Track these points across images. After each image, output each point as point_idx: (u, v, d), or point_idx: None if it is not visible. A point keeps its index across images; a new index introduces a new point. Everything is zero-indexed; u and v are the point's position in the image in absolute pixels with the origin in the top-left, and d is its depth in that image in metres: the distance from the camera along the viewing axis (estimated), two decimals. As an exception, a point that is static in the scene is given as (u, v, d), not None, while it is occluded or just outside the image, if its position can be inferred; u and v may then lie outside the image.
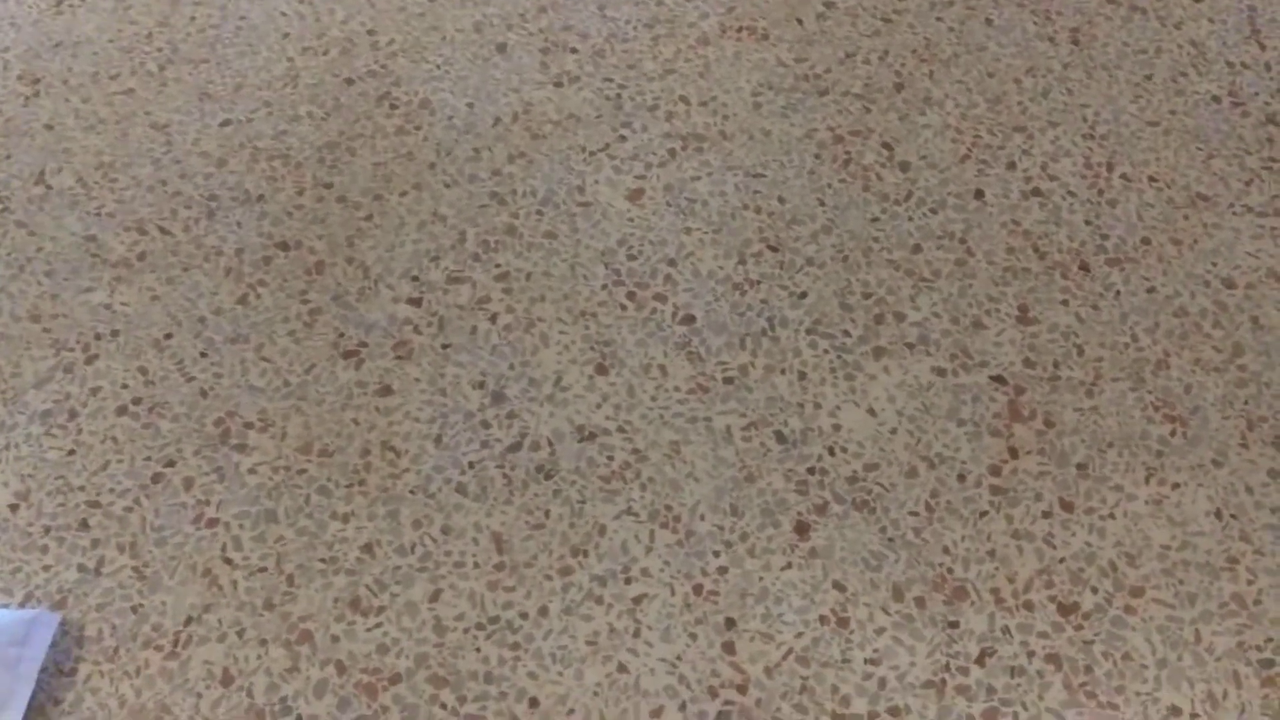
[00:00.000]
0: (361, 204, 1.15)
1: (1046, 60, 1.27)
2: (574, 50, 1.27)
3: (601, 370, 1.04)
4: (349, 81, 1.24)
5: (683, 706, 0.87)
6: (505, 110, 1.22)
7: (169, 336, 1.06)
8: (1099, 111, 1.23)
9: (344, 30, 1.28)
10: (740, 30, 1.30)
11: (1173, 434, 1.01)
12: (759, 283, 1.10)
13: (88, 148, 1.19)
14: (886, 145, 1.20)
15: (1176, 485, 0.99)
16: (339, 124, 1.21)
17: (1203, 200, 1.17)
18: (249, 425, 1.01)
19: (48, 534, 0.96)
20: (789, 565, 0.94)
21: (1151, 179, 1.18)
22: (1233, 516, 0.97)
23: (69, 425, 1.01)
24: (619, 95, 1.24)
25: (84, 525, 0.96)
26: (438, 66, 1.25)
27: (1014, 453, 1.00)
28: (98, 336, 1.06)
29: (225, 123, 1.21)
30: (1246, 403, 1.03)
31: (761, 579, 0.93)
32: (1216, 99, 1.25)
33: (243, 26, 1.28)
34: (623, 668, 0.89)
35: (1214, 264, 1.12)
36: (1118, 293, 1.10)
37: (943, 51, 1.28)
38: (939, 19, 1.31)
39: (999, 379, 1.04)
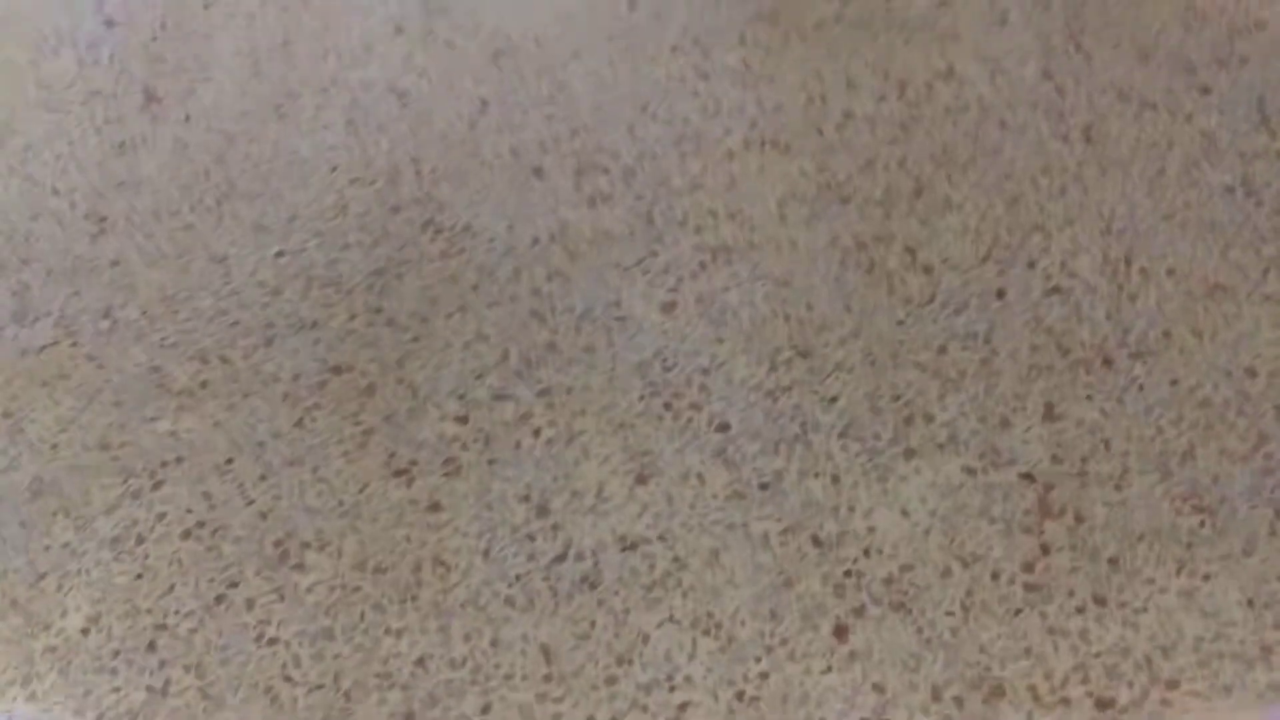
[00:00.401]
0: (409, 326, 1.21)
1: (1061, 160, 1.32)
2: (606, 170, 1.33)
3: (641, 480, 1.09)
4: (395, 209, 1.31)
5: (729, 812, 0.90)
6: (543, 231, 1.28)
7: (230, 461, 1.12)
8: (1115, 207, 1.27)
9: (389, 160, 1.36)
10: (763, 144, 1.35)
11: (1201, 525, 1.04)
12: (790, 389, 1.14)
13: (151, 282, 1.26)
14: (909, 249, 1.25)
15: (1207, 576, 1.01)
16: (387, 250, 1.27)
17: (1221, 290, 1.20)
18: (306, 545, 1.06)
19: (117, 656, 1.01)
20: (829, 669, 0.97)
21: (1169, 271, 1.21)
22: (1265, 606, 0.99)
23: (136, 550, 1.07)
24: (650, 211, 1.29)
25: (151, 647, 1.01)
26: (478, 191, 1.32)
27: (1046, 549, 1.03)
28: (163, 463, 1.12)
29: (280, 253, 1.28)
30: (1274, 491, 1.05)
31: (802, 683, 0.96)
32: (1230, 189, 1.29)
33: (294, 160, 1.36)
34: (670, 774, 0.92)
35: (1235, 354, 1.15)
36: (1141, 386, 1.13)
37: (959, 155, 1.33)
38: (954, 124, 1.36)
39: (1028, 476, 1.07)
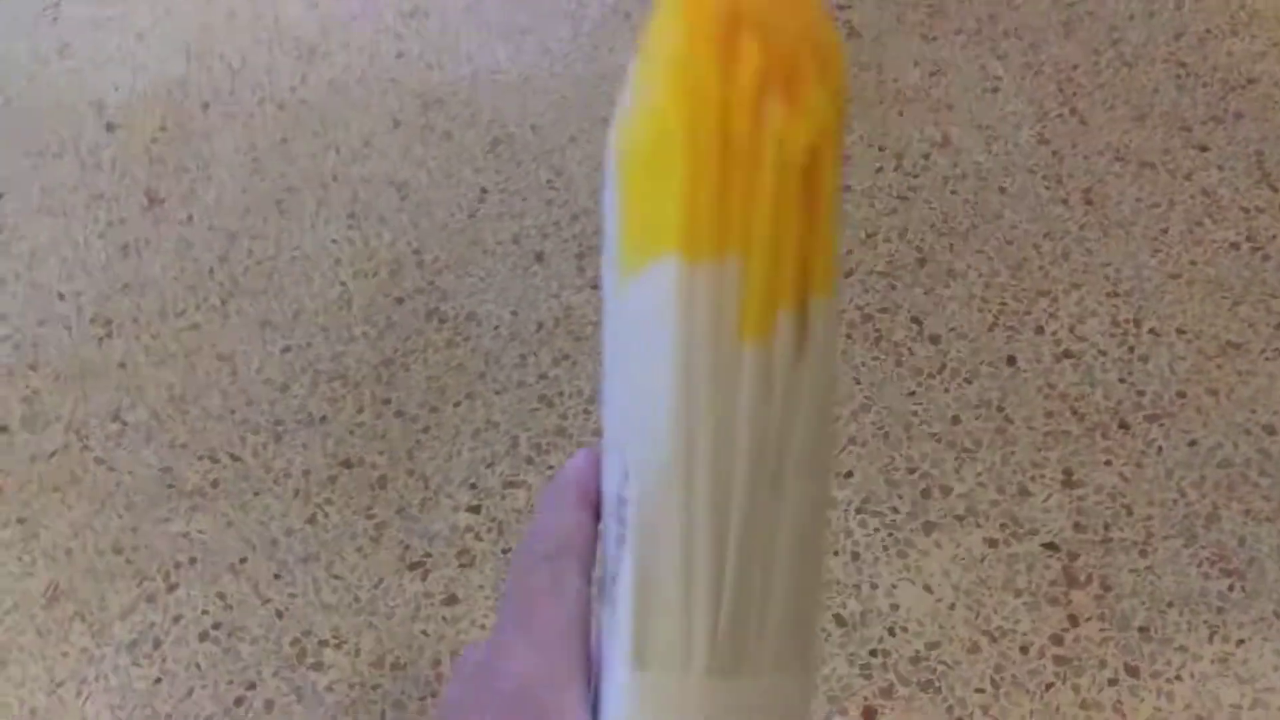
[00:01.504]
0: (419, 416, 1.20)
1: (1063, 223, 1.32)
2: (609, 252, 1.34)
3: (659, 564, 1.07)
4: (399, 300, 1.31)
5: None
6: (547, 315, 1.28)
7: (244, 561, 1.11)
8: (1120, 269, 1.27)
9: (392, 252, 1.36)
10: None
11: (1231, 589, 1.02)
12: (805, 465, 1.13)
13: (159, 382, 1.26)
14: (915, 320, 1.24)
15: (1241, 641, 0.99)
16: (393, 341, 1.27)
17: (1234, 348, 1.19)
18: (324, 643, 1.05)
19: (135, 766, 0.99)
20: (860, 752, 0.95)
21: (1180, 331, 1.21)
22: (1302, 669, 0.97)
23: (154, 654, 1.05)
24: (655, 292, 1.30)
25: (169, 755, 0.99)
26: (481, 279, 1.32)
27: (1074, 620, 1.01)
28: (177, 565, 1.11)
29: (286, 349, 1.28)
30: (1301, 550, 1.04)
31: (834, 768, 0.94)
32: (1235, 245, 1.29)
33: (297, 256, 1.37)
34: None
35: (1253, 411, 1.14)
36: (1160, 449, 1.12)
37: (960, 224, 1.33)
38: (953, 192, 1.37)
39: (1051, 545, 1.06)
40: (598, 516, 0.30)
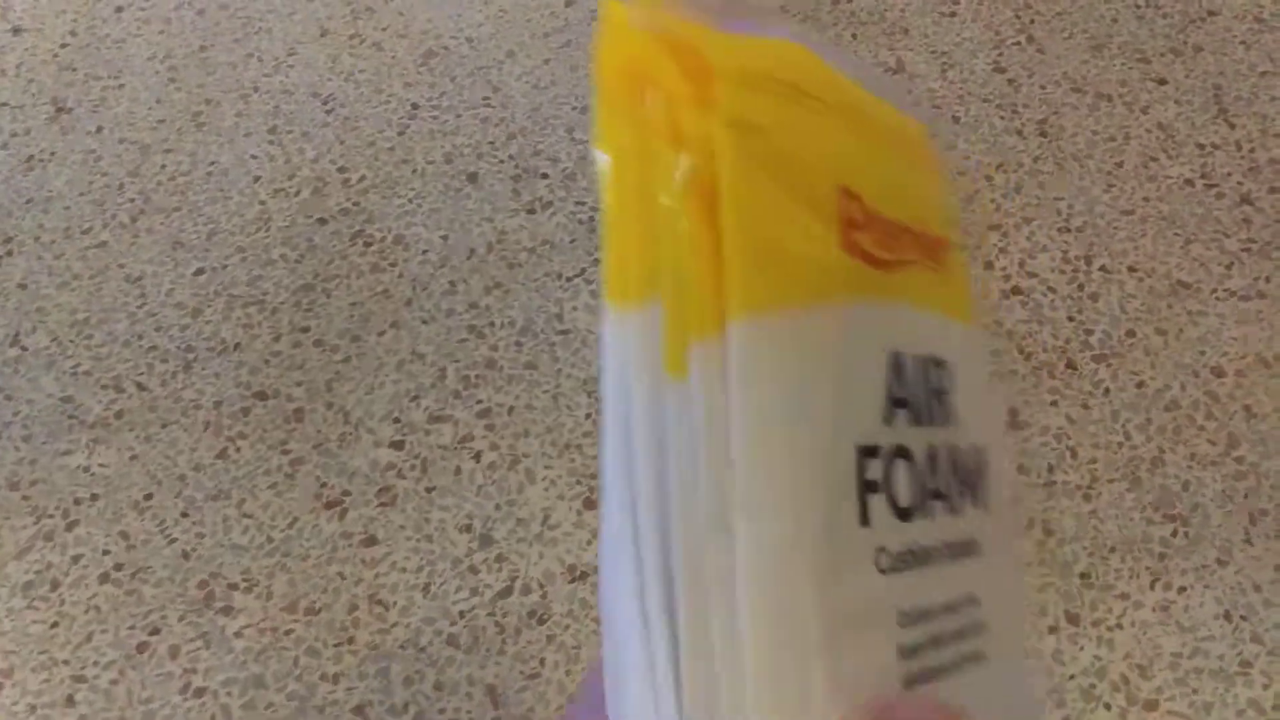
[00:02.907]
0: (339, 346, 1.14)
1: (1016, 155, 1.28)
2: (545, 175, 1.27)
3: (590, 505, 1.03)
4: (322, 221, 1.24)
5: None
6: (479, 241, 1.22)
7: (149, 497, 1.05)
8: (1072, 204, 1.23)
9: (314, 169, 1.28)
10: (710, 144, 1.30)
11: (1174, 534, 1.00)
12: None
13: (62, 305, 1.18)
14: (863, 252, 1.20)
15: (1183, 589, 0.97)
16: (313, 265, 1.20)
17: (1184, 287, 1.16)
18: (233, 586, 0.99)
19: (33, 713, 0.94)
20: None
21: (1131, 269, 1.18)
22: (1242, 618, 0.95)
23: (51, 596, 0.99)
24: (592, 218, 1.23)
25: (69, 701, 0.94)
26: (410, 201, 1.25)
27: (1014, 565, 0.98)
28: (77, 501, 1.05)
29: (199, 271, 1.20)
30: (1246, 496, 1.01)
31: None
32: (1190, 182, 1.25)
33: (213, 171, 1.29)
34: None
35: (1202, 353, 1.11)
36: (1107, 390, 1.09)
37: (913, 153, 1.28)
38: (907, 120, 1.31)
39: (993, 488, 1.03)
40: None
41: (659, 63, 0.26)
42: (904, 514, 0.26)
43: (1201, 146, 1.28)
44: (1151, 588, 0.97)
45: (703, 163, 0.25)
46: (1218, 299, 1.15)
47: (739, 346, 0.25)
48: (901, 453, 0.26)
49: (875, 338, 0.27)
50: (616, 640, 0.24)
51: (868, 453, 0.26)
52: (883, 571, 0.25)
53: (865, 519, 0.25)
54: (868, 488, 0.26)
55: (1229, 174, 1.26)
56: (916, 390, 0.27)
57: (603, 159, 0.26)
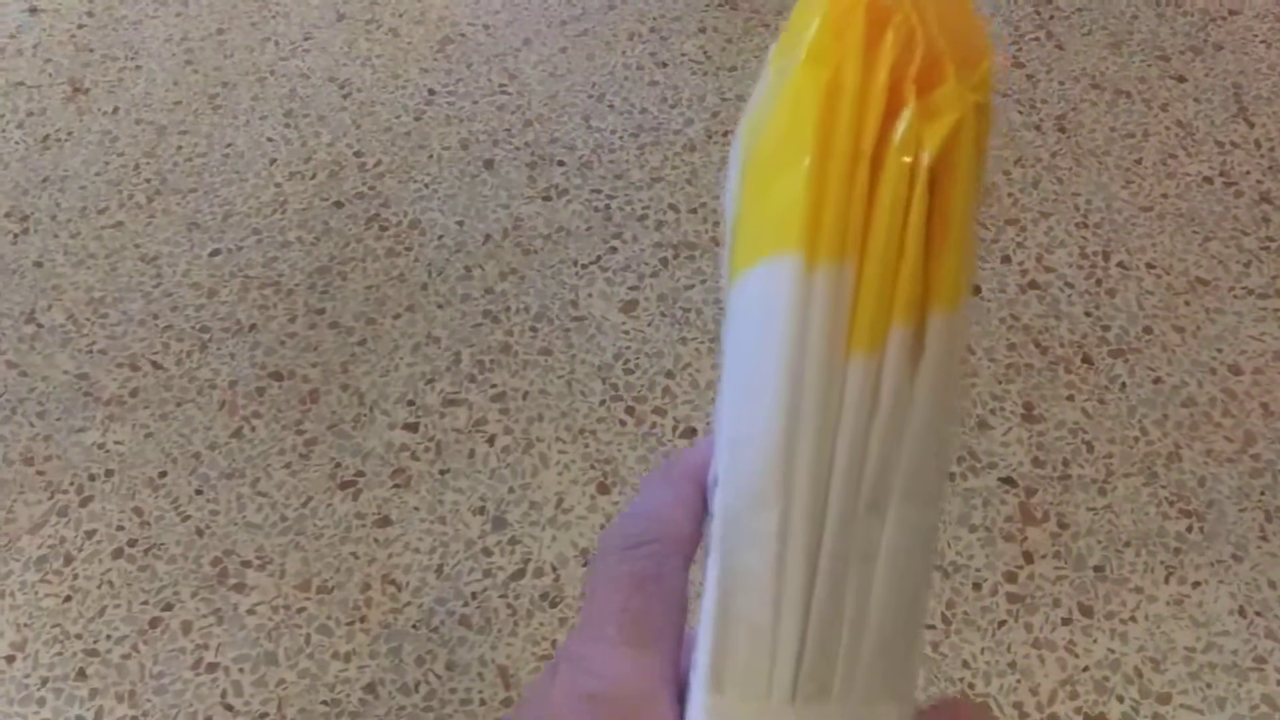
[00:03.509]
0: (354, 329, 1.14)
1: (1034, 150, 1.27)
2: (561, 163, 1.27)
3: (603, 489, 1.03)
4: (338, 204, 1.24)
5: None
6: (495, 227, 1.22)
7: (164, 474, 1.05)
8: (1090, 199, 1.23)
9: (330, 153, 1.28)
10: (726, 134, 1.30)
11: (1189, 530, 0.99)
12: (759, 391, 1.09)
13: (78, 284, 1.18)
14: (880, 244, 1.19)
15: (1197, 584, 0.96)
16: (329, 248, 1.20)
17: (1202, 284, 1.16)
18: (247, 564, 0.99)
19: (45, 685, 0.94)
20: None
21: (1149, 265, 1.17)
22: (1257, 614, 0.95)
23: (64, 571, 0.99)
24: (608, 206, 1.23)
25: (81, 675, 0.94)
26: (426, 185, 1.25)
27: (1029, 557, 0.98)
28: (92, 478, 1.05)
29: (215, 252, 1.20)
30: (1263, 493, 1.01)
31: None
32: (1208, 180, 1.25)
33: (229, 154, 1.29)
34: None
35: (1219, 350, 1.11)
36: (1123, 385, 1.08)
37: (930, 146, 1.28)
38: (925, 113, 1.31)
39: (1009, 480, 1.02)
40: (706, 506, 0.27)
41: (915, 13, 0.24)
42: None
43: (1220, 144, 1.28)
44: (1166, 582, 0.96)
45: (947, 137, 0.23)
46: (1235, 297, 1.15)
47: (934, 340, 0.24)
48: None
49: None
50: (731, 590, 0.24)
51: None
52: None
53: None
54: None
55: (1248, 172, 1.25)
56: None
57: (799, 82, 0.24)
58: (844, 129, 0.24)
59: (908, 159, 0.23)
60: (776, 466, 0.24)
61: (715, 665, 0.24)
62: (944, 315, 0.24)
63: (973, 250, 0.25)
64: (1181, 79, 1.34)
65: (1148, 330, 1.12)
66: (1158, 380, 1.09)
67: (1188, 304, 1.14)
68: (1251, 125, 1.30)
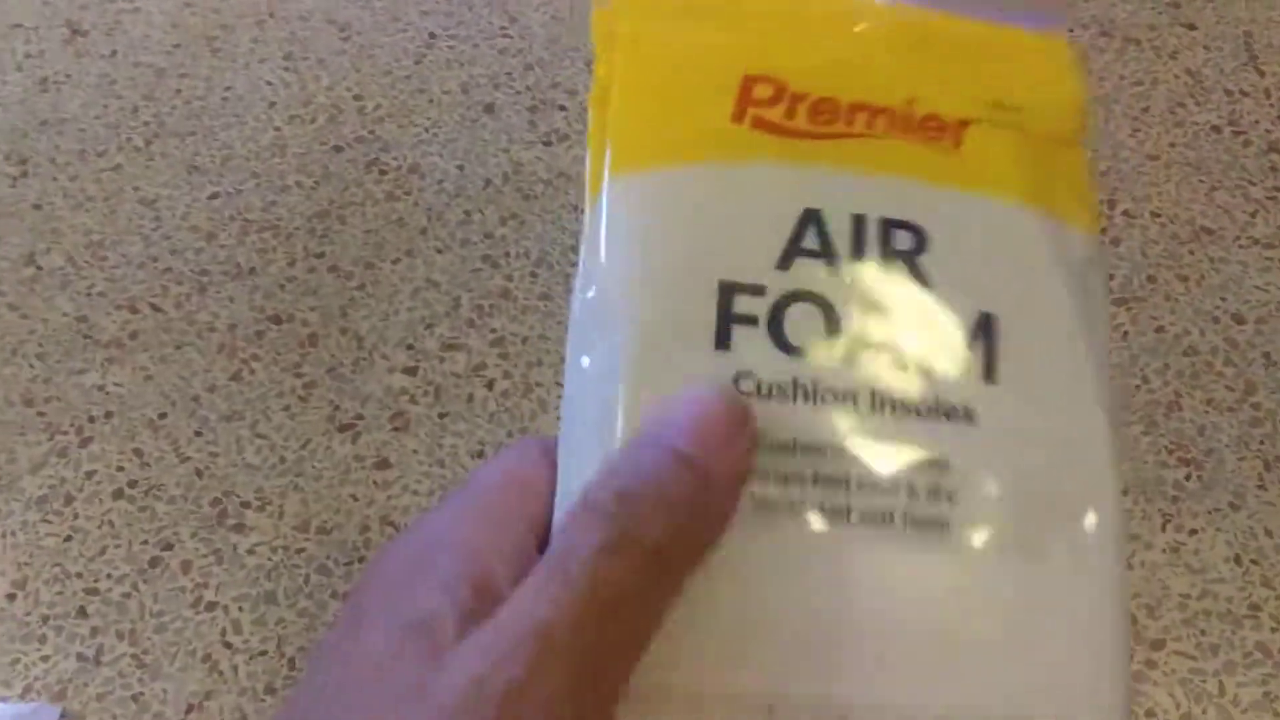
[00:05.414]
0: (354, 273, 1.14)
1: (1041, 97, 1.26)
2: (562, 108, 1.26)
3: (602, 434, 1.03)
4: (337, 149, 1.23)
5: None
6: (495, 171, 1.21)
7: (163, 416, 1.05)
8: (1097, 147, 1.22)
9: (330, 97, 1.28)
10: (730, 79, 1.29)
11: (1188, 478, 0.99)
12: (759, 337, 1.08)
13: (76, 226, 1.18)
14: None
15: (1194, 531, 0.96)
16: (328, 192, 1.20)
17: (1207, 234, 1.15)
18: (246, 505, 1.00)
19: (46, 623, 0.95)
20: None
21: (1154, 214, 1.16)
22: (1253, 562, 0.95)
23: (65, 511, 1.00)
24: (610, 151, 1.23)
25: (82, 613, 0.95)
26: (426, 130, 1.25)
27: (1026, 504, 0.98)
28: (91, 419, 1.05)
29: (214, 195, 1.20)
30: (1262, 442, 1.01)
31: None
32: (1217, 129, 1.23)
33: (229, 97, 1.28)
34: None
35: (1222, 299, 1.10)
36: (1126, 333, 1.08)
37: (936, 93, 1.27)
38: (930, 59, 1.30)
39: (1007, 428, 1.02)
40: None
41: None
42: (795, 350, 0.27)
43: (1230, 93, 1.26)
44: (1163, 529, 0.96)
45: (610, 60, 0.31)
46: (1240, 246, 1.14)
47: (609, 199, 0.30)
48: (806, 297, 0.28)
49: (778, 194, 0.29)
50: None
51: (739, 289, 0.28)
52: (744, 394, 0.27)
53: (724, 344, 0.27)
54: (735, 319, 0.27)
55: (1257, 121, 1.24)
56: (842, 245, 0.28)
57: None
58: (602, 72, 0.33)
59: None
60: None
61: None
62: (613, 180, 0.31)
63: (651, 129, 0.31)
64: (1192, 26, 1.32)
65: (1151, 279, 1.12)
66: (1160, 329, 1.08)
67: (1192, 253, 1.13)
68: (1262, 74, 1.28)
